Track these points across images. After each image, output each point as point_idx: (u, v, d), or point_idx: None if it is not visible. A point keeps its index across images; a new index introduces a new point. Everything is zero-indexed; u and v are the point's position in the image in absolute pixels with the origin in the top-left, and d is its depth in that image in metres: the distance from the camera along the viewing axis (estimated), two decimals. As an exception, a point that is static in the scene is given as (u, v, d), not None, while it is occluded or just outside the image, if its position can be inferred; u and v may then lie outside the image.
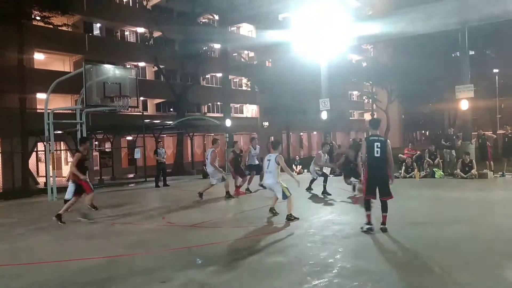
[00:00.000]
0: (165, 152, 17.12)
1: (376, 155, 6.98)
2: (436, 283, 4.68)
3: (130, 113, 22.02)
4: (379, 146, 6.97)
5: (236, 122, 30.85)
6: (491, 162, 15.29)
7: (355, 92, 58.58)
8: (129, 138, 28.69)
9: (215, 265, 5.62)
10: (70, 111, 19.30)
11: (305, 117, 39.63)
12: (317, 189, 12.08)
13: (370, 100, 53.53)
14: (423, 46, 29.52)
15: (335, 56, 20.92)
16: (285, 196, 8.23)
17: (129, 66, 27.90)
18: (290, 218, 8.16)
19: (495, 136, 18.47)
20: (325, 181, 11.98)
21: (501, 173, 15.00)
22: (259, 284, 4.83)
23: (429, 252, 5.84)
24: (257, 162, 13.22)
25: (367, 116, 60.24)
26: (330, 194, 11.61)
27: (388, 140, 7.20)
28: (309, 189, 12.30)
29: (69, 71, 26.01)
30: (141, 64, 33.19)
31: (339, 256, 5.79)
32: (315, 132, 49.93)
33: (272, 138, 25.65)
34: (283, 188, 8.25)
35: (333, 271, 5.12)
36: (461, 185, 13.29)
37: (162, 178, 16.76)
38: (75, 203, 9.35)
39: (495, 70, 36.55)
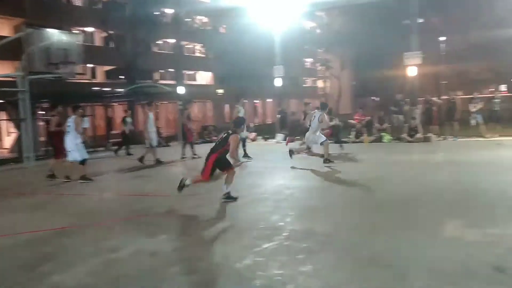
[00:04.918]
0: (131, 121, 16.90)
1: None
2: (381, 242, 4.85)
3: (78, 80, 21.04)
4: None
5: (190, 90, 30.29)
6: (436, 126, 16.04)
7: (309, 59, 58.83)
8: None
9: (165, 233, 5.59)
10: (11, 79, 18.12)
11: (259, 85, 39.44)
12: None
13: (324, 67, 54.06)
14: (375, 13, 29.89)
15: (289, 23, 20.83)
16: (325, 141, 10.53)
17: (76, 31, 26.44)
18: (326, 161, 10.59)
19: (440, 101, 19.25)
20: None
21: (443, 136, 15.78)
22: (210, 250, 4.88)
23: (375, 213, 6.12)
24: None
25: (320, 83, 60.93)
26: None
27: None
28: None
29: (8, 36, 24.29)
30: (89, 29, 31.46)
31: (290, 220, 5.93)
32: (269, 100, 50.00)
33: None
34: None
35: (283, 234, 5.24)
36: (406, 148, 13.91)
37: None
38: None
39: (442, 38, 37.75)
